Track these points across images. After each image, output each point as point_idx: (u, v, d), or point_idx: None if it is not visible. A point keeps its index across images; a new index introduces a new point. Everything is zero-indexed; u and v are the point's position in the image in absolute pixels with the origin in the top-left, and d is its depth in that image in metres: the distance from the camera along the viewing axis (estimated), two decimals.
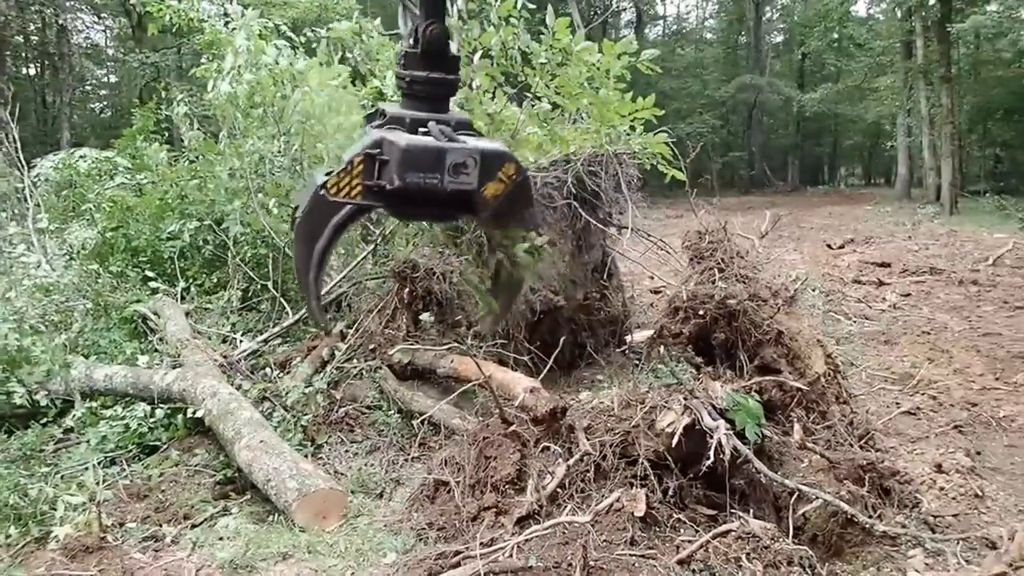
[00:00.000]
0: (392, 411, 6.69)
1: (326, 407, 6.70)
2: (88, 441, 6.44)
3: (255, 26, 7.70)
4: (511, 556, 4.37)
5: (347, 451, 6.32)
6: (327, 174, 4.82)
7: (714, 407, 4.89)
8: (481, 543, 4.45)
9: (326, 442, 6.39)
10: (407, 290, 7.44)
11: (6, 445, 6.42)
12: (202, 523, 5.34)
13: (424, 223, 7.58)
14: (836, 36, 43.24)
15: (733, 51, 57.06)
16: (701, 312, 6.05)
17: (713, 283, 6.25)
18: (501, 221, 5.20)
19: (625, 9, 53.16)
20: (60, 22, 31.57)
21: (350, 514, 5.30)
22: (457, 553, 4.37)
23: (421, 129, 5.19)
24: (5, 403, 6.95)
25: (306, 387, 6.91)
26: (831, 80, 47.70)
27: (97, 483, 5.30)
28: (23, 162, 12.27)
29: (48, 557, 4.61)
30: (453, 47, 7.56)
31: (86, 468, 5.90)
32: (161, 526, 5.27)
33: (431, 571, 4.30)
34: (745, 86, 46.15)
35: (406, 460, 6.20)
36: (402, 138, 5.13)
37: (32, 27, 35.13)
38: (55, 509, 5.08)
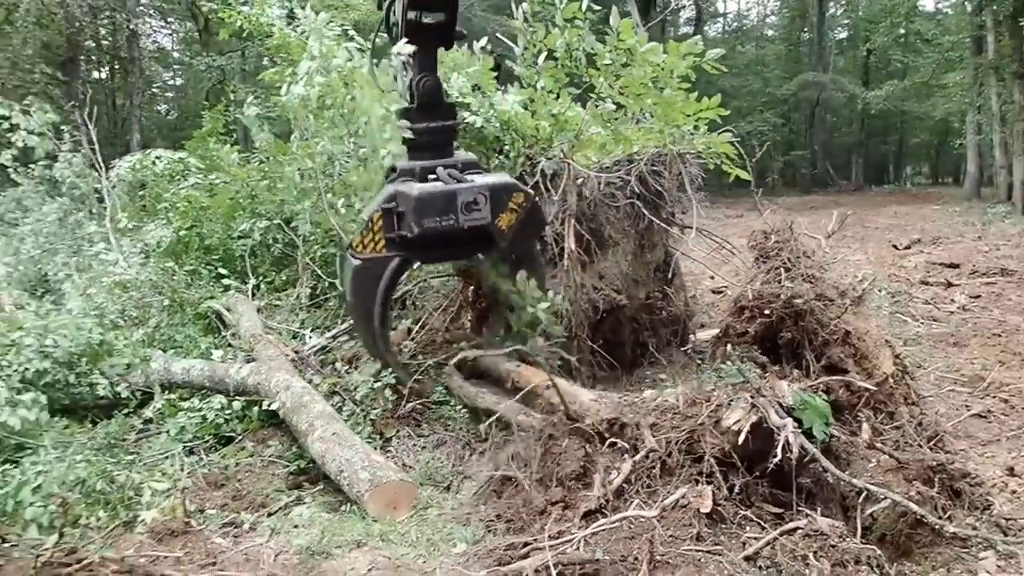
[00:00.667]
0: (458, 406, 6.83)
1: (394, 402, 6.86)
2: (168, 431, 6.72)
3: (326, 31, 7.90)
4: (578, 549, 4.46)
5: (415, 445, 6.47)
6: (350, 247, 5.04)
7: (781, 405, 4.90)
8: (549, 535, 4.54)
9: (395, 436, 6.54)
10: (472, 288, 7.58)
11: (92, 434, 6.72)
12: (277, 511, 5.54)
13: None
14: (903, 32, 42.30)
15: (795, 48, 56.10)
16: (767, 311, 6.06)
17: (779, 282, 6.24)
18: (518, 247, 5.46)
19: (684, 7, 52.72)
20: (131, 27, 32.46)
21: (419, 505, 5.44)
22: (526, 544, 4.47)
23: (431, 176, 5.43)
24: (89, 394, 7.25)
25: (374, 382, 7.08)
26: (897, 77, 46.61)
27: (181, 470, 5.52)
28: (100, 163, 12.72)
29: (136, 540, 4.84)
30: (518, 49, 7.72)
31: (167, 456, 6.17)
32: (239, 513, 5.49)
33: (500, 561, 4.41)
34: (808, 83, 45.34)
35: (472, 455, 6.32)
36: (414, 188, 5.47)
37: (103, 32, 36.25)
38: (140, 495, 5.31)
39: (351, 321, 6.24)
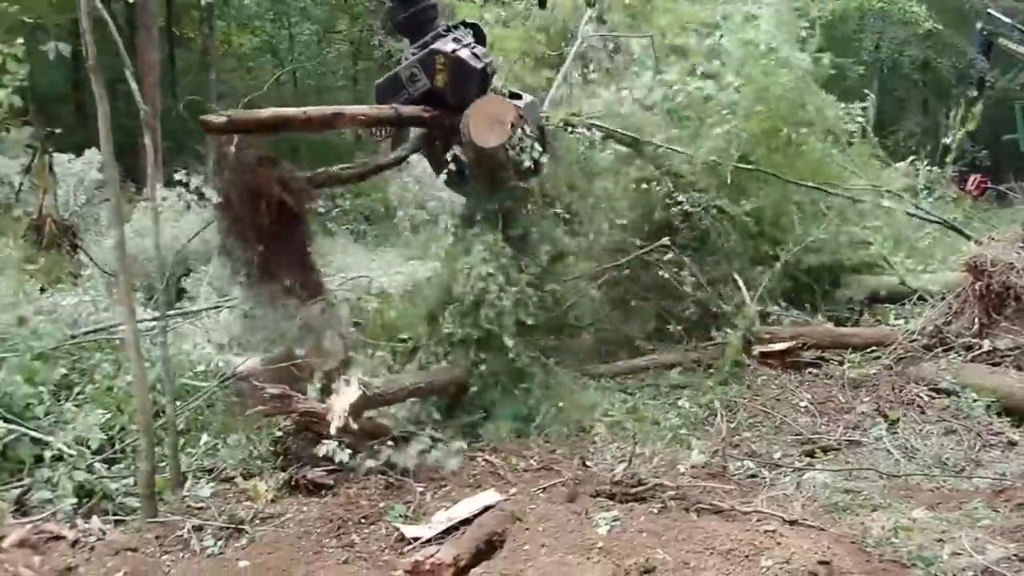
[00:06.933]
0: (968, 397, 6.93)
1: (898, 386, 7.18)
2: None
3: None
4: None
5: (921, 430, 6.66)
6: None
7: None
8: None
9: (900, 419, 6.83)
10: (981, 284, 7.54)
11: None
12: (793, 472, 6.12)
13: None
14: None
15: None
16: None
17: None
18: (458, 96, 6.40)
19: None
20: None
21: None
22: None
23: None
24: None
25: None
26: None
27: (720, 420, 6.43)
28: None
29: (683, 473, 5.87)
30: None
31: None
32: (760, 469, 6.21)
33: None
34: None
35: (984, 446, 6.38)
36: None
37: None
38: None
39: None
